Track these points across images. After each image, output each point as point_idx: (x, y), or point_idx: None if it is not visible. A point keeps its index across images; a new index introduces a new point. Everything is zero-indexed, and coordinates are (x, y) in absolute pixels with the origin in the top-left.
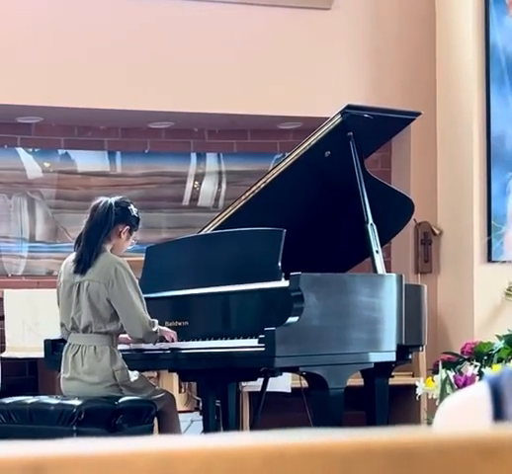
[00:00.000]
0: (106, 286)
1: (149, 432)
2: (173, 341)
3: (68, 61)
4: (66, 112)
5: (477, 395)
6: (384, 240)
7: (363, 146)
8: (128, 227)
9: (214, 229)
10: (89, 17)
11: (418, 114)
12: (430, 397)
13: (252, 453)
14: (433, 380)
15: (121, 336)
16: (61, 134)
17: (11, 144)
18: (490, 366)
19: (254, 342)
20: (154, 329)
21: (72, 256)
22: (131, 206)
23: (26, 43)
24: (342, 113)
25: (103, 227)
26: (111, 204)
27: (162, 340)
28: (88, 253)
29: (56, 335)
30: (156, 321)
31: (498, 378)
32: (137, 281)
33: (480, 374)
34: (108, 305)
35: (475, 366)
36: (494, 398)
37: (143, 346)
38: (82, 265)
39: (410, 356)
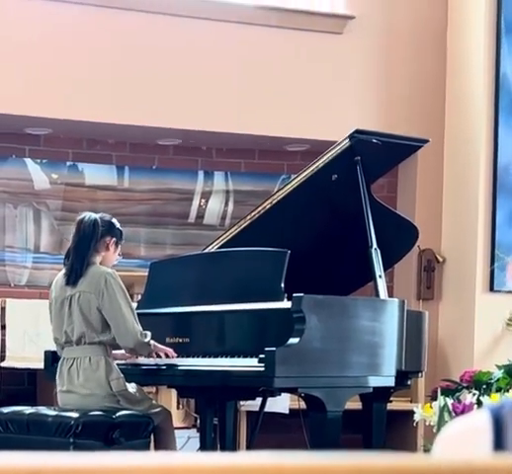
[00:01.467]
0: (96, 297)
1: (146, 446)
2: (170, 357)
3: (79, 75)
4: (75, 124)
5: (478, 424)
6: (388, 265)
7: (370, 171)
8: (114, 239)
9: (219, 247)
10: (101, 33)
11: (426, 141)
12: (427, 424)
13: (248, 473)
14: (431, 407)
15: (117, 352)
16: (70, 147)
17: (19, 155)
18: (489, 395)
19: (254, 361)
20: (146, 340)
21: (62, 271)
22: (114, 220)
23: (38, 56)
24: (350, 137)
25: (91, 239)
26: (96, 218)
27: (158, 356)
28: (78, 265)
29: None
30: (148, 333)
31: (500, 408)
32: (127, 291)
33: (479, 403)
34: (99, 316)
35: (474, 395)
36: (495, 427)
37: (142, 361)
38: (73, 277)
39: (409, 382)
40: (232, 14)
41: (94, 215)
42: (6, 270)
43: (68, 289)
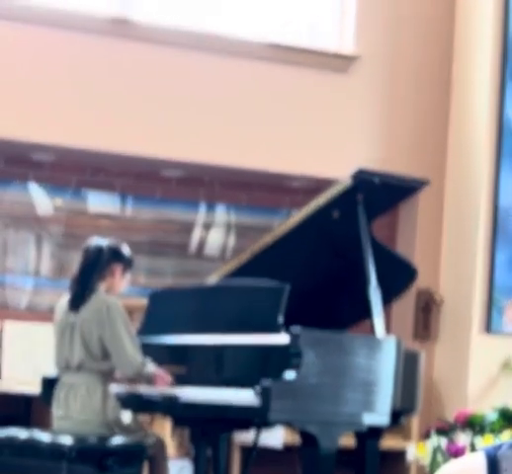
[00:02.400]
0: (98, 326)
1: None
2: (167, 383)
3: (85, 103)
4: (80, 152)
5: (474, 465)
6: (385, 304)
7: (370, 210)
8: (121, 266)
9: (220, 280)
10: (107, 63)
11: (427, 183)
12: (420, 464)
13: None
14: (424, 445)
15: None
16: (74, 173)
17: (23, 180)
18: (482, 436)
19: (249, 393)
20: (146, 370)
21: (66, 296)
22: (124, 247)
23: (45, 83)
24: (353, 176)
25: (96, 266)
26: (102, 244)
27: (153, 381)
28: (82, 291)
29: (54, 372)
30: (149, 361)
31: (496, 449)
32: (129, 321)
33: (473, 445)
34: (100, 344)
35: (468, 436)
36: (490, 469)
37: (141, 389)
38: (76, 304)
39: (403, 421)
40: (240, 49)
41: (101, 241)
42: (6, 293)
43: (71, 315)
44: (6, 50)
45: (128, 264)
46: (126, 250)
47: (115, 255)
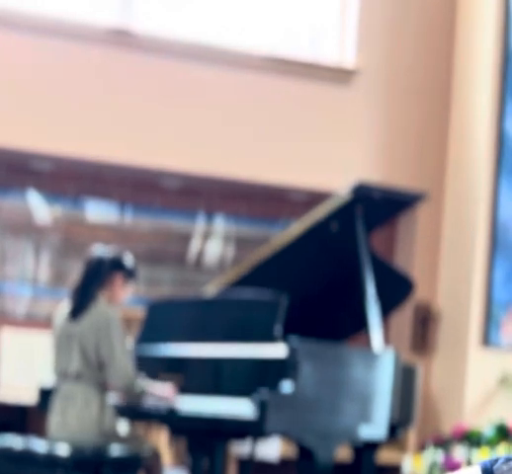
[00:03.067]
0: (95, 337)
1: None
2: (170, 400)
3: (85, 112)
4: (79, 161)
5: None
6: (382, 316)
7: (369, 223)
8: (121, 276)
9: (218, 290)
10: (107, 74)
11: (424, 196)
12: None
13: None
14: (421, 458)
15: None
16: (73, 182)
17: (22, 188)
18: (478, 448)
19: (246, 401)
20: (137, 389)
21: (66, 304)
22: (125, 257)
23: (44, 92)
24: (352, 190)
25: (96, 275)
26: (104, 253)
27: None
28: (82, 301)
29: (51, 381)
30: (143, 384)
31: (492, 463)
32: (125, 335)
33: (469, 460)
34: (97, 355)
35: (464, 448)
36: None
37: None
38: (76, 313)
39: (399, 434)
40: (241, 61)
41: (103, 250)
42: (4, 301)
43: (70, 325)
44: (6, 60)
45: (129, 274)
46: (128, 260)
47: (115, 264)
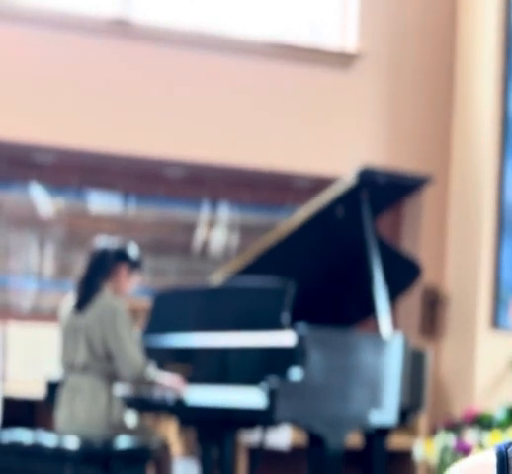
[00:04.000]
0: (102, 329)
1: None
2: (179, 390)
3: (87, 104)
4: (82, 152)
5: (484, 462)
6: (390, 301)
7: (374, 207)
8: (126, 267)
9: (224, 278)
10: (108, 63)
11: (429, 179)
12: (429, 463)
13: None
14: (432, 443)
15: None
16: (75, 174)
17: (24, 181)
18: (490, 431)
19: (255, 390)
20: (147, 377)
21: (72, 297)
22: (131, 248)
23: (45, 84)
24: (357, 174)
25: (100, 266)
26: (108, 244)
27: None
28: (86, 292)
29: (58, 374)
30: (152, 366)
31: (506, 447)
32: (132, 325)
33: (481, 443)
34: (104, 346)
35: (475, 432)
36: (500, 466)
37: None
38: (81, 305)
39: (410, 419)
40: (242, 48)
41: (107, 242)
42: (9, 295)
43: (76, 317)
44: (6, 52)
45: (134, 264)
46: (132, 250)
47: (120, 255)
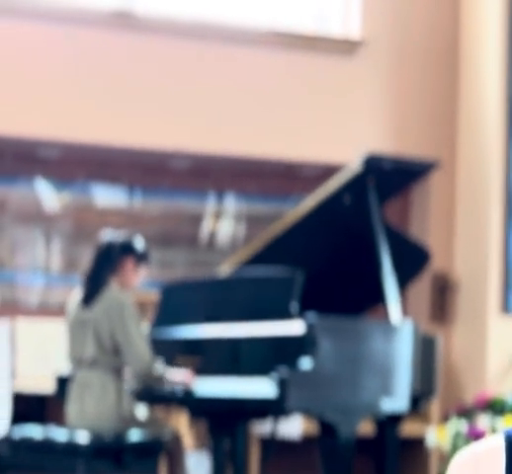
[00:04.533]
0: (109, 323)
1: (155, 469)
2: (189, 384)
3: (91, 98)
4: (87, 147)
5: (492, 446)
6: (400, 288)
7: (382, 194)
8: (132, 260)
9: (232, 268)
10: (115, 56)
11: (436, 165)
12: (441, 449)
13: None
14: (444, 430)
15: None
16: (81, 169)
17: (30, 177)
18: (502, 416)
19: (266, 380)
20: (155, 373)
21: (78, 292)
22: (137, 240)
23: (49, 78)
24: (363, 161)
25: (106, 260)
26: (114, 238)
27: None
28: (93, 287)
29: (67, 369)
30: (160, 363)
31: None
32: (139, 319)
33: (493, 427)
34: (112, 340)
35: (488, 418)
36: (508, 449)
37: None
38: (88, 300)
39: (422, 406)
40: (245, 37)
41: (111, 236)
42: (17, 291)
43: (83, 312)
44: (9, 47)
45: (140, 257)
46: (138, 243)
47: (125, 248)
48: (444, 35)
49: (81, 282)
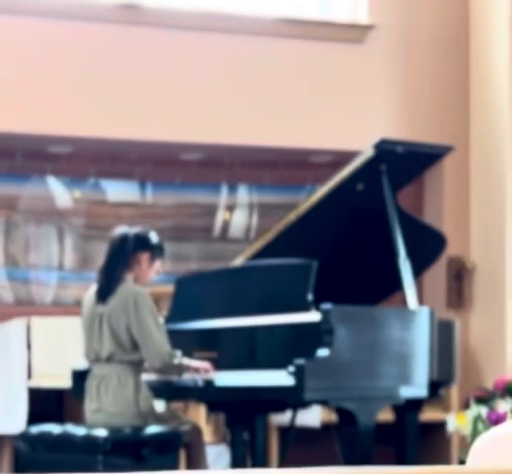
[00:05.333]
0: (125, 317)
1: (175, 463)
2: (207, 372)
3: (100, 92)
4: (97, 141)
5: (511, 431)
6: (416, 274)
7: (395, 180)
8: (147, 255)
9: (246, 261)
10: (121, 51)
11: (450, 148)
12: (462, 434)
13: None
14: (464, 416)
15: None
16: (92, 164)
17: (41, 173)
18: None
19: (283, 374)
20: (175, 361)
21: (93, 287)
22: (152, 235)
23: (58, 75)
24: (375, 146)
25: (120, 256)
26: (127, 233)
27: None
28: (108, 282)
29: (83, 363)
30: (179, 353)
31: None
32: (162, 312)
33: None
34: (129, 335)
35: (508, 403)
36: None
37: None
38: (103, 294)
39: (441, 392)
40: (253, 26)
41: (126, 230)
42: (31, 288)
43: (99, 306)
44: (19, 44)
45: (156, 252)
46: (153, 237)
47: (140, 243)
48: (454, 16)
49: (96, 278)
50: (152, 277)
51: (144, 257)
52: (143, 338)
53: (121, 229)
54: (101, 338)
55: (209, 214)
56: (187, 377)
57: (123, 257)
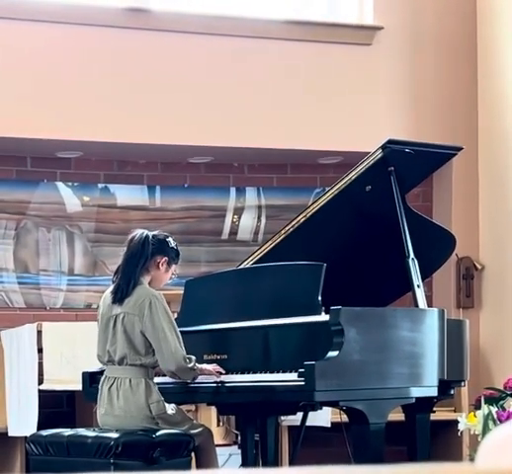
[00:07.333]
0: (140, 319)
1: (187, 465)
2: (220, 374)
3: (108, 97)
4: (106, 146)
5: None
6: (425, 275)
7: (404, 181)
8: (165, 259)
9: (254, 263)
10: (128, 55)
11: (460, 148)
12: (472, 433)
13: None
14: (475, 415)
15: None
16: (101, 169)
17: (51, 178)
18: None
19: (294, 376)
20: (190, 365)
21: (110, 288)
22: (169, 239)
23: (67, 80)
24: (383, 147)
25: (139, 258)
26: (147, 236)
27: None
28: (125, 284)
29: (94, 367)
30: (193, 357)
31: None
32: (173, 315)
33: None
34: (143, 338)
35: None
36: None
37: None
38: (119, 296)
39: (452, 392)
40: (261, 29)
41: (146, 233)
42: (41, 293)
43: (114, 308)
44: (25, 48)
45: (173, 256)
46: (171, 242)
47: (159, 246)
48: (461, 17)
49: (114, 277)
50: (167, 281)
51: (163, 260)
52: (158, 341)
53: (139, 231)
54: (115, 340)
55: (217, 217)
56: (199, 380)
57: (141, 259)
